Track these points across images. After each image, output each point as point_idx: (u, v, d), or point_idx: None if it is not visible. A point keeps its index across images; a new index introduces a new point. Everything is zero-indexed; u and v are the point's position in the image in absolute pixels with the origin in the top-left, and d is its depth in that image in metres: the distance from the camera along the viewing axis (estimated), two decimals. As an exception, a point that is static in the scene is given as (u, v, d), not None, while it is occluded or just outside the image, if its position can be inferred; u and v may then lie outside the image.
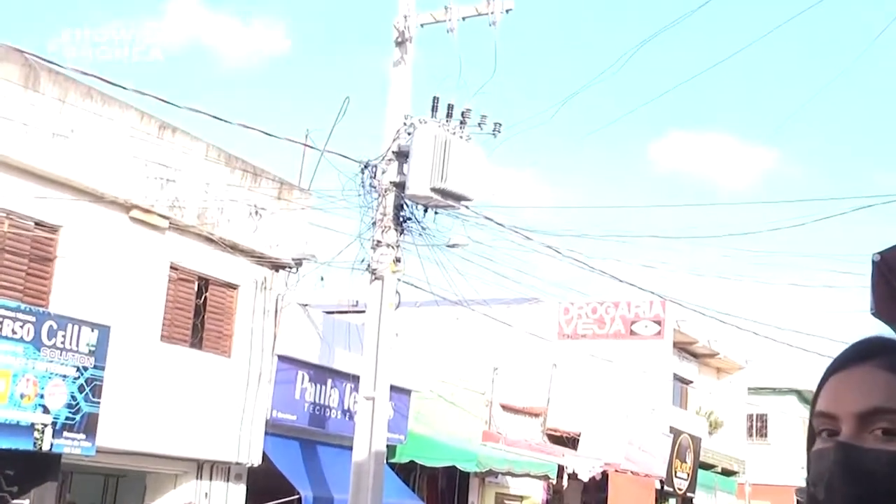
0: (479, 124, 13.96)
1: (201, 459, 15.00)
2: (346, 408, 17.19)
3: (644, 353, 29.57)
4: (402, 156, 13.86)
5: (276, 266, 15.91)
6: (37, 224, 12.53)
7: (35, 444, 11.52)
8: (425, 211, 14.11)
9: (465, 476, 21.39)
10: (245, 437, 15.29)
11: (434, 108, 13.83)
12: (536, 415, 25.54)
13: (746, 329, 19.00)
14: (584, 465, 22.88)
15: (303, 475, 16.13)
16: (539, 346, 26.89)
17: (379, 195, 13.90)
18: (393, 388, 15.11)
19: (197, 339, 14.88)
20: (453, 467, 19.88)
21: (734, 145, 60.92)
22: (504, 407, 23.86)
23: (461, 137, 13.72)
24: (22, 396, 11.34)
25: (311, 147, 15.12)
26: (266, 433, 15.75)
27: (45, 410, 11.61)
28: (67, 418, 11.87)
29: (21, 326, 11.35)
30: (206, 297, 15.04)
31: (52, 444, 11.70)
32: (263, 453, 15.64)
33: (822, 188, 73.90)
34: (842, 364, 1.41)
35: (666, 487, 28.65)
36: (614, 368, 28.26)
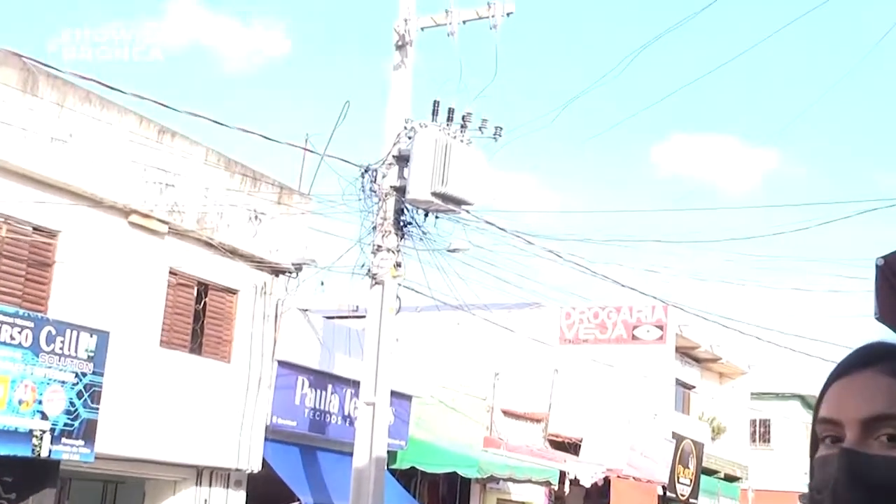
0: (480, 128, 13.93)
1: (201, 466, 14.94)
2: (346, 413, 17.13)
3: (646, 358, 29.50)
4: (402, 160, 13.83)
5: (276, 271, 15.87)
6: (35, 229, 12.49)
7: (33, 450, 11.46)
8: (426, 215, 14.07)
9: (467, 482, 21.32)
10: (245, 443, 15.23)
11: (434, 112, 13.81)
12: (538, 420, 25.46)
13: (749, 334, 18.98)
14: (586, 470, 22.81)
15: (303, 481, 16.08)
16: (540, 351, 26.84)
17: (379, 199, 13.86)
18: (393, 393, 15.07)
19: (196, 344, 14.83)
20: (454, 473, 19.81)
21: (737, 147, 60.90)
22: (505, 412, 23.78)
23: (462, 141, 13.69)
24: (20, 402, 11.29)
25: (311, 151, 15.11)
26: (266, 439, 15.69)
27: (44, 416, 11.56)
28: (66, 424, 11.81)
29: (19, 332, 11.30)
30: (205, 303, 15.00)
31: (50, 451, 11.64)
32: (263, 459, 15.58)
33: (825, 190, 73.90)
34: (845, 370, 1.40)
35: (668, 493, 28.56)
36: (616, 373, 28.20)
